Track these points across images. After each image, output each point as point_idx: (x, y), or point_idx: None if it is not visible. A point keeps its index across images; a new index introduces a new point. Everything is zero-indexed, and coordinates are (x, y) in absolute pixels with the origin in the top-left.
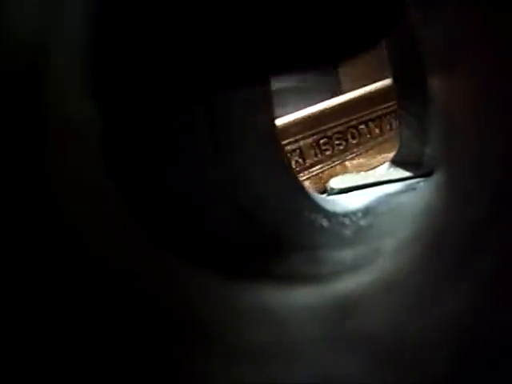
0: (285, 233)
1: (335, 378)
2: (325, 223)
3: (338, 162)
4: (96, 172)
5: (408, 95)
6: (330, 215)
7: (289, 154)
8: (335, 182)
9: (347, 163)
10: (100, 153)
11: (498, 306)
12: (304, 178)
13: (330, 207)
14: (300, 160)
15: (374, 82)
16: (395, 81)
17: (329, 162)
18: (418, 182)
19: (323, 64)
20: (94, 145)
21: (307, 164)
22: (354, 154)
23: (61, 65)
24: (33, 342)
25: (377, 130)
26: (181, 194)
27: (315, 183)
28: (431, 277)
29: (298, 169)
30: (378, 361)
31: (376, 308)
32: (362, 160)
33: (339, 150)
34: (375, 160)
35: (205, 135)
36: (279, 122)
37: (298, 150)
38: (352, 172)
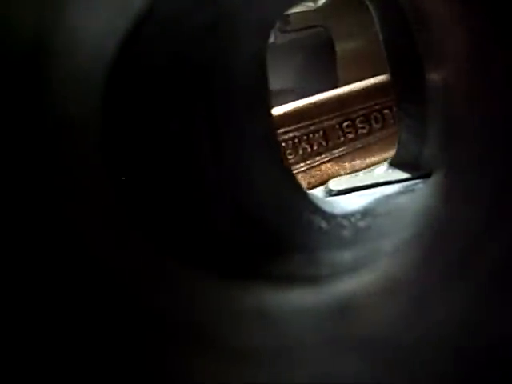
0: (284, 233)
1: (335, 378)
2: (323, 225)
3: (359, 146)
4: (95, 173)
5: (407, 97)
6: (329, 217)
7: (311, 135)
8: (334, 184)
9: (373, 146)
10: (99, 153)
11: (499, 305)
12: (326, 159)
13: (328, 209)
14: (323, 141)
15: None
16: (394, 82)
17: (351, 145)
18: (416, 184)
19: None
20: (93, 145)
21: (330, 145)
22: (376, 138)
23: (62, 64)
24: (32, 340)
25: None
26: (180, 194)
27: (337, 165)
28: (431, 277)
29: (320, 150)
30: (378, 361)
31: (375, 309)
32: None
33: (362, 133)
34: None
35: (204, 135)
36: (301, 102)
37: (321, 131)
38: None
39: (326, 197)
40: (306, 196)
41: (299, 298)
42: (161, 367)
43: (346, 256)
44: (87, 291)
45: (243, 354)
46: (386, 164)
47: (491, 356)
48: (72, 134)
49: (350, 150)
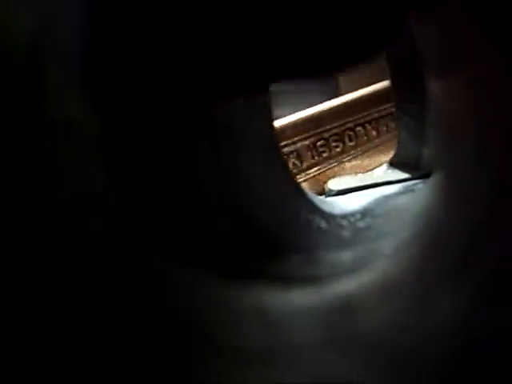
0: (283, 234)
1: (335, 379)
2: (323, 225)
3: (334, 164)
4: (94, 173)
5: (406, 97)
6: (328, 217)
7: (286, 156)
8: (333, 184)
9: (346, 164)
10: (98, 153)
11: (498, 306)
12: (301, 180)
13: (327, 209)
14: (297, 162)
15: (374, 84)
16: (393, 82)
17: (326, 164)
18: (416, 184)
19: (323, 72)
20: (92, 145)
21: (304, 166)
22: (350, 156)
23: (60, 65)
24: (33, 343)
25: (374, 132)
26: (180, 194)
27: (312, 185)
28: (430, 278)
29: (295, 171)
30: (377, 361)
31: (374, 309)
32: (359, 162)
33: (336, 152)
34: (372, 161)
35: (204, 136)
36: (276, 124)
37: (295, 152)
38: (350, 173)
39: (326, 197)
40: (304, 196)
41: (298, 298)
42: (162, 368)
43: (345, 256)
44: (87, 291)
45: (242, 354)
46: (385, 164)
47: (490, 356)
48: (71, 135)
49: (325, 169)
